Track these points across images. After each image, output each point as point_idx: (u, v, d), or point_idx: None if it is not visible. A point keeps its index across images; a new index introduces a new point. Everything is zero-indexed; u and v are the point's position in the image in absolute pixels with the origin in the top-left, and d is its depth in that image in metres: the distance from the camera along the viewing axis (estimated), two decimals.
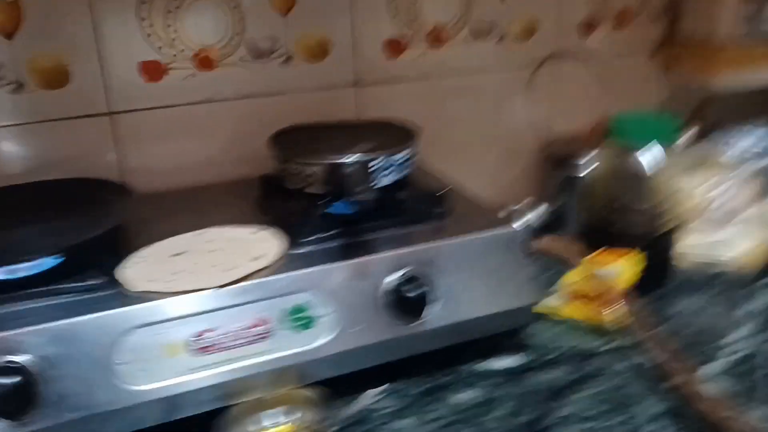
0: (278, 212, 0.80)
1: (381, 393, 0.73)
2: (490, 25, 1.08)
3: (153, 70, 0.89)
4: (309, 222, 0.74)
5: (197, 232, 0.76)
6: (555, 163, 1.12)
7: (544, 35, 1.12)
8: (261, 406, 0.67)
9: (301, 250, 0.72)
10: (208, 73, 0.92)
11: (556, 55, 1.13)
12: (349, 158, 0.74)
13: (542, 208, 1.11)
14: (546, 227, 1.09)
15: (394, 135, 0.81)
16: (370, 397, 0.72)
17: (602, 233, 0.98)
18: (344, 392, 0.72)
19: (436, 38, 1.04)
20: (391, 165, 0.76)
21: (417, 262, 0.70)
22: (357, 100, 1.01)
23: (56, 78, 0.85)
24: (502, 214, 1.11)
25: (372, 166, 0.75)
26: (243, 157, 0.95)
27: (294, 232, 0.73)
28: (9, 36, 0.82)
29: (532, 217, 1.10)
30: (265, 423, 0.66)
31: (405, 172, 0.78)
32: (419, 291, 0.69)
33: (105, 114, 0.89)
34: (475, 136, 1.12)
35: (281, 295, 0.66)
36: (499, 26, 1.08)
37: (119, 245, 0.72)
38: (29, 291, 0.64)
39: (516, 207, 1.13)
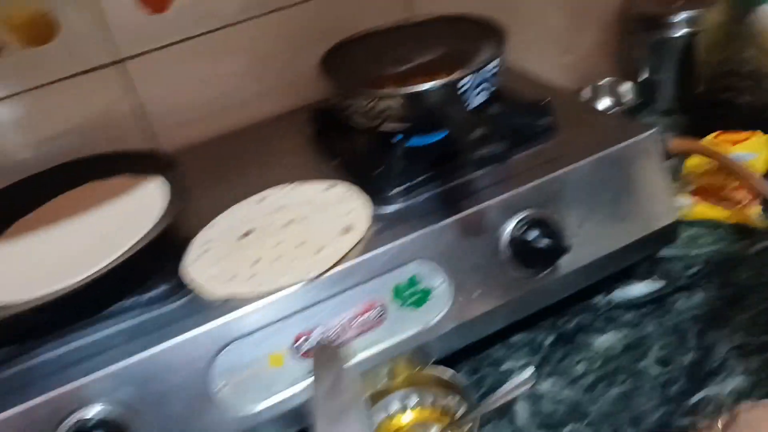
0: (347, 157, 0.66)
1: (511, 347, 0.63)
2: None
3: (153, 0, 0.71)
4: (392, 168, 0.60)
5: (257, 197, 0.63)
6: (640, 24, 0.94)
7: None
8: (388, 390, 0.57)
9: (393, 207, 0.59)
10: None
11: None
12: (433, 83, 0.58)
13: (628, 84, 0.95)
14: (636, 107, 0.94)
15: (474, 36, 0.65)
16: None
17: (714, 109, 0.82)
18: (469, 355, 0.62)
19: None
20: (483, 81, 0.60)
21: (537, 200, 0.57)
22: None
23: (41, 31, 0.68)
24: (585, 95, 0.97)
25: (461, 87, 0.59)
26: (282, 87, 0.80)
27: (375, 182, 0.60)
28: None
29: (619, 95, 0.95)
30: (395, 407, 0.57)
31: (497, 84, 0.63)
32: (547, 236, 0.56)
33: (109, 64, 0.72)
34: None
35: (387, 271, 0.54)
36: None
37: (171, 231, 0.58)
38: (86, 319, 0.52)
39: (599, 84, 0.97)
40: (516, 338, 0.64)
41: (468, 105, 0.60)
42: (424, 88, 0.58)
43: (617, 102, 0.94)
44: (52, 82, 0.70)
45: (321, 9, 0.79)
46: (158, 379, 0.49)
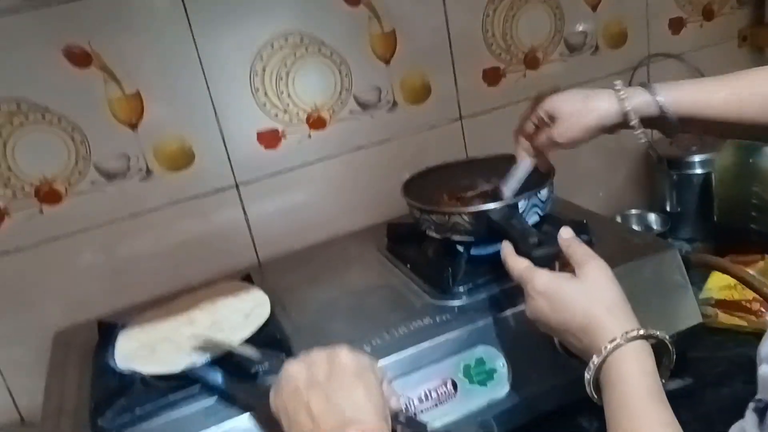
0: (418, 262, 0.81)
1: None
2: (584, 37, 1.07)
3: (270, 138, 0.91)
4: (458, 270, 0.75)
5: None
6: (663, 163, 1.10)
7: (635, 39, 1.11)
8: None
9: (457, 302, 0.72)
10: (322, 131, 0.93)
11: (651, 55, 1.11)
12: (496, 204, 0.74)
13: (654, 215, 1.10)
14: (661, 234, 1.08)
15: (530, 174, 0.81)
16: None
17: (729, 235, 0.96)
18: None
19: (533, 60, 1.04)
20: (537, 204, 0.75)
21: None
22: (463, 134, 1.01)
23: (182, 160, 0.87)
24: (625, 221, 1.11)
25: (521, 208, 0.74)
26: (360, 207, 0.96)
27: (444, 282, 0.74)
28: (134, 127, 0.84)
29: (647, 224, 1.10)
30: None
31: (548, 208, 0.78)
32: None
33: (228, 188, 0.91)
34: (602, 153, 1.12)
35: (459, 352, 0.66)
36: (592, 37, 1.07)
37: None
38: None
39: (628, 214, 1.12)
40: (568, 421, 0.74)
41: (523, 223, 0.75)
42: (489, 208, 0.73)
43: (645, 230, 1.08)
44: (186, 200, 0.88)
45: (396, 148, 0.98)
46: None
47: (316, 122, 0.93)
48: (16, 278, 0.83)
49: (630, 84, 1.05)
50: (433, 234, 0.79)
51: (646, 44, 1.12)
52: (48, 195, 0.82)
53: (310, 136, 0.93)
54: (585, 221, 0.80)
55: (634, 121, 0.65)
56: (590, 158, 1.13)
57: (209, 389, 0.63)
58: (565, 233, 0.63)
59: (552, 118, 0.70)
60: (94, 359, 0.74)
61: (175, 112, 0.85)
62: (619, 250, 0.76)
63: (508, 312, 0.69)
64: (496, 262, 0.75)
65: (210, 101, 0.86)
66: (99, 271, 0.86)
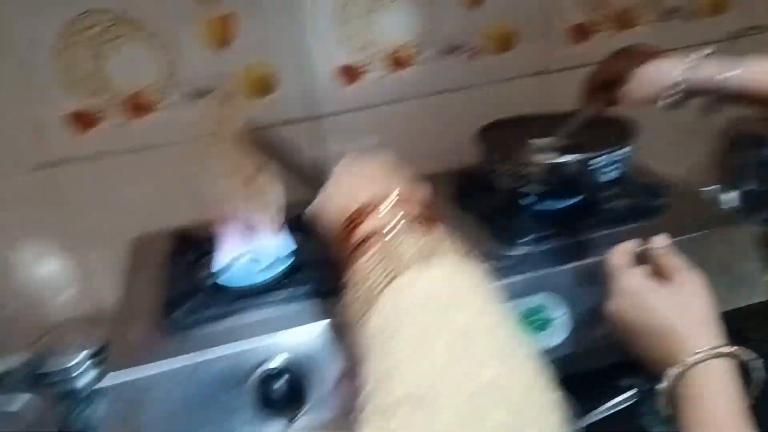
0: (485, 210, 0.81)
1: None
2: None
3: (351, 74, 0.92)
4: (525, 220, 0.75)
5: None
6: (743, 141, 1.06)
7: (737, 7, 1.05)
8: None
9: (522, 250, 0.72)
10: (402, 72, 0.94)
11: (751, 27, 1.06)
12: (571, 157, 0.73)
13: (732, 193, 1.06)
14: (741, 210, 1.05)
15: (609, 129, 0.79)
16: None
17: None
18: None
19: (626, 20, 1.01)
20: (614, 162, 0.74)
21: None
22: (541, 89, 1.00)
23: (266, 85, 0.89)
24: (703, 195, 1.08)
25: (592, 165, 0.73)
26: (434, 153, 0.97)
27: (509, 230, 0.74)
28: (224, 48, 0.86)
29: (724, 201, 1.06)
30: None
31: (624, 169, 0.77)
32: None
33: (307, 119, 0.92)
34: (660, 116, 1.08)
35: (518, 297, 0.67)
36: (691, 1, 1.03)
37: None
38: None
39: (707, 189, 1.09)
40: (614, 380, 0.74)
41: (598, 180, 0.74)
42: (563, 160, 0.72)
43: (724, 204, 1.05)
44: (266, 126, 0.91)
45: (474, 97, 0.97)
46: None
47: (397, 62, 0.93)
48: (100, 183, 0.88)
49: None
50: (504, 184, 0.79)
51: (747, 14, 1.07)
52: (136, 106, 0.86)
53: (390, 75, 0.93)
54: (661, 185, 0.78)
55: (674, 97, 0.64)
56: (670, 130, 1.09)
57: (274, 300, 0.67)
58: (662, 240, 0.62)
59: (621, 76, 0.69)
60: (169, 264, 0.79)
61: (266, 37, 0.87)
62: (692, 220, 0.74)
63: (572, 264, 0.69)
64: (563, 218, 0.76)
65: (299, 30, 0.88)
66: (178, 185, 0.90)
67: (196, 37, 0.85)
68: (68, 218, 0.88)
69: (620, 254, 0.62)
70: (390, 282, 0.40)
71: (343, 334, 0.55)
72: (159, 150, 0.88)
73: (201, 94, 0.87)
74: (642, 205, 0.76)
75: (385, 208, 0.47)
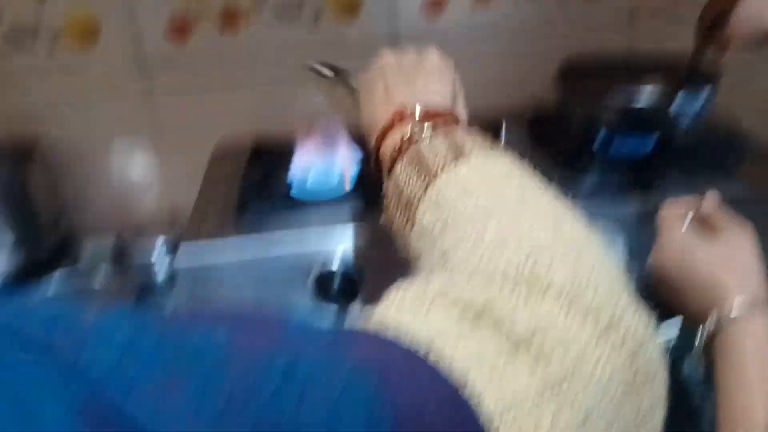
0: (556, 146, 0.81)
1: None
2: None
3: (434, 7, 0.93)
4: (595, 158, 0.75)
5: None
6: None
7: None
8: None
9: (588, 182, 0.73)
10: (485, 8, 0.94)
11: None
12: (646, 96, 0.72)
13: None
14: None
15: (690, 73, 0.77)
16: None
17: None
18: None
19: None
20: (694, 105, 0.73)
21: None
22: (631, 28, 0.98)
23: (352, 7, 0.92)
24: None
25: (673, 105, 0.72)
26: (512, 88, 0.97)
27: (578, 163, 0.75)
28: None
29: None
30: None
31: (704, 113, 0.75)
32: None
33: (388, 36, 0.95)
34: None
35: None
36: None
37: None
38: None
39: None
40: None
41: (676, 123, 0.73)
42: (640, 96, 0.72)
43: None
44: (350, 46, 0.94)
45: (552, 33, 0.97)
46: None
47: None
48: (190, 92, 0.94)
49: None
50: (578, 118, 0.79)
51: None
52: (230, 19, 0.90)
53: (473, 10, 0.94)
54: (740, 135, 0.76)
55: None
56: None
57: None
58: (712, 197, 0.61)
59: (731, 12, 0.67)
60: (246, 172, 0.84)
61: None
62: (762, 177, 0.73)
63: (634, 204, 0.69)
64: (636, 161, 0.76)
65: None
66: (262, 98, 0.95)
67: None
68: (158, 122, 0.95)
69: (670, 209, 0.62)
70: (427, 184, 0.41)
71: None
72: (248, 64, 0.93)
73: (290, 10, 0.91)
74: (718, 155, 0.75)
75: (415, 114, 0.47)
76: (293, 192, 0.75)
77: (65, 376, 0.17)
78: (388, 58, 0.56)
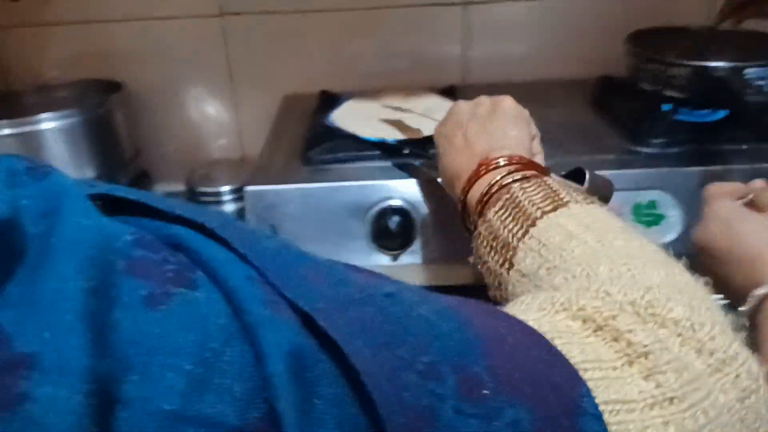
0: (623, 112, 0.80)
1: None
2: None
3: None
4: (660, 123, 0.74)
5: None
6: None
7: None
8: None
9: (651, 150, 0.72)
10: None
11: None
12: (721, 63, 0.71)
13: None
14: None
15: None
16: None
17: None
18: None
19: None
20: (764, 79, 0.71)
21: None
22: (709, 5, 0.95)
23: None
24: None
25: (746, 75, 0.71)
26: (582, 57, 0.96)
27: (642, 131, 0.74)
28: None
29: None
30: None
31: None
32: None
33: (458, 4, 0.95)
34: None
35: (635, 189, 0.68)
36: None
37: None
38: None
39: None
40: None
41: (748, 93, 0.71)
42: (712, 65, 0.70)
43: None
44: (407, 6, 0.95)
45: (621, 3, 0.95)
46: None
47: None
48: (266, 38, 0.97)
49: None
50: (647, 86, 0.78)
51: None
52: None
53: None
54: None
55: None
56: None
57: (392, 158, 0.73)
58: (759, 182, 0.59)
59: None
60: (313, 118, 0.87)
61: None
62: None
63: (696, 168, 0.68)
64: (702, 128, 0.74)
65: None
66: (335, 49, 0.98)
67: None
68: (232, 66, 0.99)
69: (717, 187, 0.61)
70: (529, 228, 0.42)
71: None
72: (322, 15, 0.96)
73: None
74: None
75: (505, 163, 0.49)
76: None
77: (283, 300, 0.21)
78: (462, 107, 0.57)
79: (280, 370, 0.18)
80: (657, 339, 0.28)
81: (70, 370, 0.16)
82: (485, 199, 0.48)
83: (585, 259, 0.36)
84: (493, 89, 0.96)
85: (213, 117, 1.03)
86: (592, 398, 0.25)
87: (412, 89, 0.90)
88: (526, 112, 0.57)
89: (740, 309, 0.52)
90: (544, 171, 0.50)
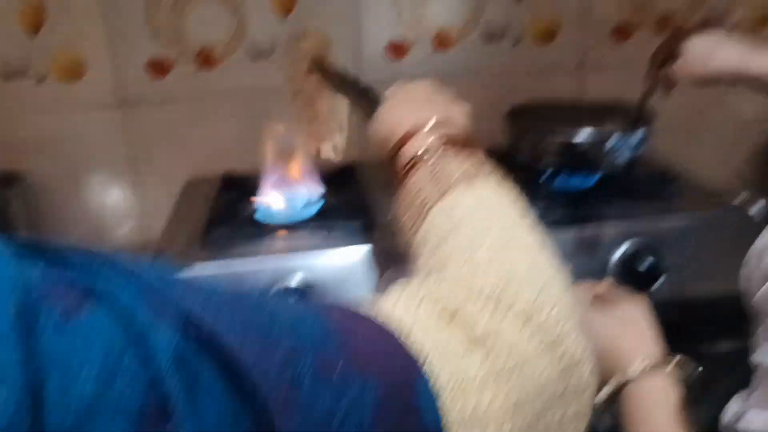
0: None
1: None
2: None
3: (398, 50, 1.00)
4: (538, 192, 0.81)
5: None
6: None
7: None
8: None
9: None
10: (445, 52, 1.01)
11: None
12: (584, 135, 0.79)
13: (762, 202, 1.07)
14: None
15: (628, 116, 0.84)
16: None
17: None
18: None
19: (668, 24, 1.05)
20: (625, 145, 0.79)
21: (648, 235, 0.74)
22: (579, 82, 1.05)
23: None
24: (737, 202, 1.10)
25: (609, 144, 0.79)
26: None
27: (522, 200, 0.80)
28: (286, 16, 0.96)
29: (754, 208, 1.08)
30: None
31: (638, 152, 0.81)
32: (648, 263, 0.72)
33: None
34: (704, 122, 1.11)
35: None
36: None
37: None
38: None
39: (741, 196, 1.10)
40: None
41: (612, 159, 0.79)
42: (576, 137, 0.78)
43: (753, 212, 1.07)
44: None
45: (511, 82, 1.04)
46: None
47: (442, 42, 1.01)
48: (166, 126, 0.99)
49: None
50: (525, 158, 0.85)
51: None
52: (205, 59, 0.97)
53: (432, 54, 1.01)
54: (673, 172, 0.83)
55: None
56: (716, 125, 1.12)
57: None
58: (607, 281, 0.67)
59: (681, 53, 0.74)
60: (215, 200, 0.89)
61: (324, 10, 0.97)
62: (696, 203, 0.78)
63: (572, 232, 0.74)
64: (575, 195, 0.81)
65: (354, 5, 0.98)
66: (235, 132, 1.01)
67: (264, 4, 0.95)
68: (134, 154, 1.00)
69: (595, 284, 0.67)
70: (439, 199, 0.47)
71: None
72: (221, 100, 0.99)
73: (263, 54, 0.97)
74: (650, 189, 0.80)
75: (427, 132, 0.52)
76: (259, 215, 0.79)
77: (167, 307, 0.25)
78: (403, 86, 0.62)
79: (165, 366, 0.23)
80: (498, 326, 0.34)
81: (7, 373, 0.21)
82: (411, 165, 0.51)
83: (473, 236, 0.43)
84: None
85: (115, 204, 1.03)
86: (426, 380, 0.30)
87: None
88: (461, 101, 0.62)
89: (599, 395, 0.57)
90: (474, 144, 0.54)
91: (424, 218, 0.47)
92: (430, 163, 0.50)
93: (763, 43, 0.70)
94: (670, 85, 0.78)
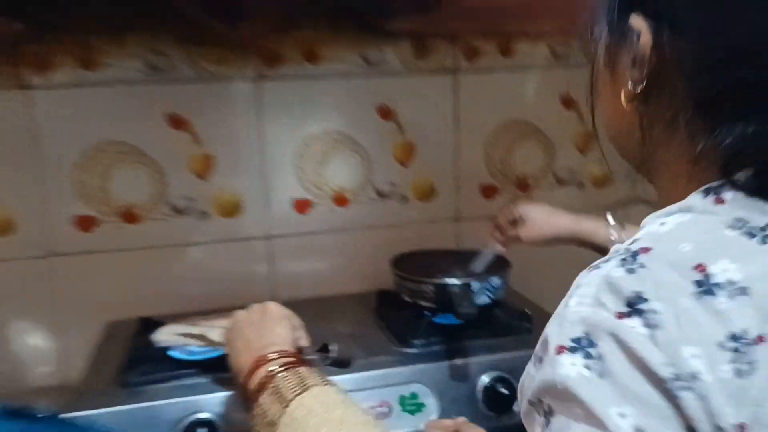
0: (393, 319, 1.01)
1: None
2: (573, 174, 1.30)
3: (302, 206, 1.16)
4: (419, 328, 0.95)
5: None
6: None
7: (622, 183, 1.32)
8: None
9: (412, 350, 0.92)
10: (343, 208, 1.18)
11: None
12: (454, 280, 0.95)
13: None
14: None
15: (492, 263, 1.02)
16: None
17: None
18: None
19: (524, 185, 1.27)
20: (489, 287, 0.96)
21: (507, 366, 0.88)
22: (456, 232, 1.24)
23: (233, 210, 1.14)
24: None
25: (473, 288, 0.95)
26: (364, 275, 1.19)
27: (406, 335, 0.94)
28: (202, 178, 1.11)
29: None
30: None
31: (499, 293, 0.98)
32: (509, 390, 0.86)
33: (261, 238, 1.16)
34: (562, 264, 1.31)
35: (399, 384, 0.86)
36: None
37: None
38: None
39: None
40: None
41: (475, 302, 0.95)
42: (447, 282, 0.94)
43: None
44: (230, 241, 1.14)
45: (400, 233, 1.21)
46: None
47: (340, 200, 1.18)
48: (89, 275, 1.09)
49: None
50: (407, 298, 1.00)
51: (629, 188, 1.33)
52: (129, 216, 1.09)
53: (334, 210, 1.18)
54: (528, 312, 0.99)
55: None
56: (565, 267, 1.31)
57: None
58: (462, 419, 0.78)
59: (522, 219, 0.92)
60: (132, 342, 0.97)
61: (235, 173, 1.13)
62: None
63: (445, 363, 0.88)
64: (450, 329, 0.96)
65: (262, 170, 1.14)
66: (154, 281, 1.11)
67: (183, 167, 1.10)
68: (57, 301, 1.08)
69: (434, 422, 0.79)
70: (284, 409, 0.60)
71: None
72: (142, 252, 1.10)
73: (181, 211, 1.11)
74: (511, 325, 0.96)
75: (272, 358, 0.66)
76: (172, 354, 0.89)
77: None
78: (240, 315, 0.75)
79: None
80: None
81: None
82: (258, 388, 0.64)
83: (315, 428, 0.57)
84: (298, 305, 1.14)
85: (34, 347, 1.09)
86: None
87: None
88: (287, 311, 0.75)
89: None
90: (301, 359, 0.67)
91: (278, 425, 0.60)
92: (271, 386, 0.64)
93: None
94: (513, 242, 0.97)
